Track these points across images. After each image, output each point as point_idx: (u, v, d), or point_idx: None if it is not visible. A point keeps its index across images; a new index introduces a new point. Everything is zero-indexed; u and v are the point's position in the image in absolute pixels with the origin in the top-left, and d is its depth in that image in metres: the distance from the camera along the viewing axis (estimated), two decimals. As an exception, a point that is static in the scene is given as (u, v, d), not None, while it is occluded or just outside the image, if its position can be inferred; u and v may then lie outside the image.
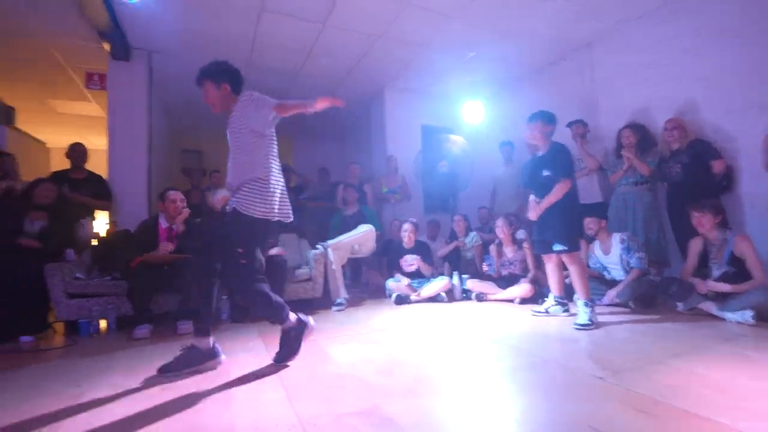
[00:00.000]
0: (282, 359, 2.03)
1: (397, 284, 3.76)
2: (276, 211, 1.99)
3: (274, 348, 2.37)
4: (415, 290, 3.73)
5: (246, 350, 2.36)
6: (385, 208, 5.14)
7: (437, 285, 3.71)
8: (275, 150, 2.05)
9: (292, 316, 2.07)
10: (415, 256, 3.88)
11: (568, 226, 2.74)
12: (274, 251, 3.37)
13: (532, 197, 2.93)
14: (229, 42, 4.41)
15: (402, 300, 3.66)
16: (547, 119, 2.85)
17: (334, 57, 4.84)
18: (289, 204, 2.08)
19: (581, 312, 2.62)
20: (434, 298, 3.71)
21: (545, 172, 2.78)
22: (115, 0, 3.64)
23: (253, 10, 3.88)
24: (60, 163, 4.45)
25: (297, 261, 4.04)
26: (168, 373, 1.92)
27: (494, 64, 5.08)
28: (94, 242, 3.95)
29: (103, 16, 3.71)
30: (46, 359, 2.38)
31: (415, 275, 3.86)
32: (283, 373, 1.92)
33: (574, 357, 2.05)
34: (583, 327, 2.54)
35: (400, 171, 5.27)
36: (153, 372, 1.99)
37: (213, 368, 2.00)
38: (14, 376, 2.06)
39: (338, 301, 3.55)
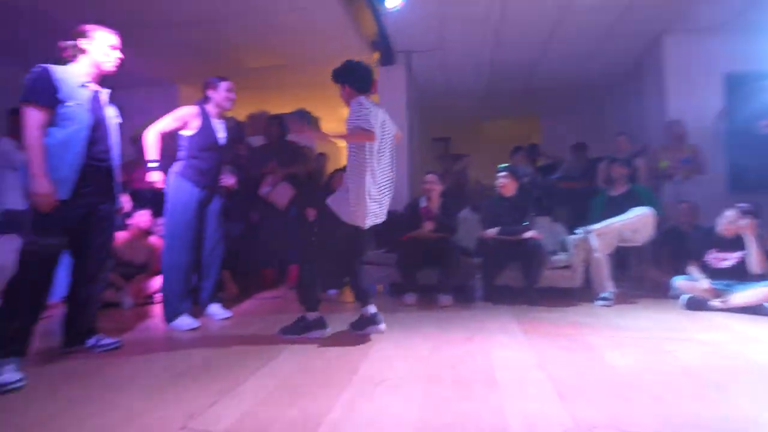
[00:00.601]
0: (283, 331, 2.24)
1: (691, 284, 2.93)
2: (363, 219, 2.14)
3: (533, 335, 2.24)
4: (720, 295, 2.81)
5: (504, 332, 2.31)
6: (665, 187, 4.11)
7: (759, 292, 2.67)
8: (371, 160, 2.12)
9: (316, 315, 2.24)
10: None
11: None
12: (529, 234, 3.19)
13: None
14: (476, 23, 4.41)
15: (697, 304, 2.82)
16: None
17: (593, 11, 4.15)
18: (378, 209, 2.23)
19: None
20: (751, 309, 2.70)
21: None
22: (382, 11, 4.18)
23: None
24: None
25: (550, 246, 3.73)
26: (287, 334, 2.22)
27: None
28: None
29: (373, 28, 4.34)
30: (343, 311, 2.99)
31: (723, 275, 2.90)
32: (548, 366, 1.76)
33: None
34: None
35: (689, 138, 4.09)
36: (422, 337, 2.20)
37: (320, 336, 2.22)
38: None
39: (603, 294, 3.06)
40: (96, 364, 1.83)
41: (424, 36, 4.71)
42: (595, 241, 3.18)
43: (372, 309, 2.24)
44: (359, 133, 2.00)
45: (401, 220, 3.54)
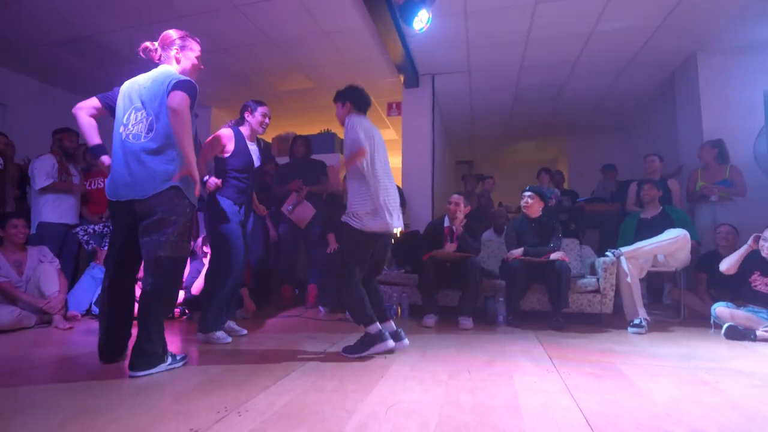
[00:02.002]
0: (346, 350, 2.16)
1: (732, 312, 2.72)
2: (371, 226, 2.17)
3: (560, 360, 2.12)
4: (766, 323, 2.60)
5: (528, 357, 2.19)
6: (701, 210, 3.91)
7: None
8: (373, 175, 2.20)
9: (376, 327, 2.16)
10: None
11: None
12: (555, 256, 3.07)
13: None
14: (501, 46, 4.43)
15: (738, 334, 2.61)
16: None
17: (622, 33, 4.10)
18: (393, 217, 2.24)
19: None
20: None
21: None
22: (407, 34, 4.25)
23: (527, 7, 3.74)
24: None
25: (578, 269, 3.59)
26: (350, 354, 2.14)
27: None
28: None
29: (400, 51, 4.42)
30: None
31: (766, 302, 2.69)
32: (576, 393, 1.64)
33: None
34: None
35: (729, 159, 3.90)
36: (441, 360, 2.11)
37: (385, 350, 2.16)
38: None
39: (636, 321, 2.88)
40: (107, 373, 1.83)
41: (449, 58, 4.76)
42: (626, 265, 3.03)
43: (392, 325, 2.28)
44: (353, 155, 2.15)
45: (423, 240, 3.49)
